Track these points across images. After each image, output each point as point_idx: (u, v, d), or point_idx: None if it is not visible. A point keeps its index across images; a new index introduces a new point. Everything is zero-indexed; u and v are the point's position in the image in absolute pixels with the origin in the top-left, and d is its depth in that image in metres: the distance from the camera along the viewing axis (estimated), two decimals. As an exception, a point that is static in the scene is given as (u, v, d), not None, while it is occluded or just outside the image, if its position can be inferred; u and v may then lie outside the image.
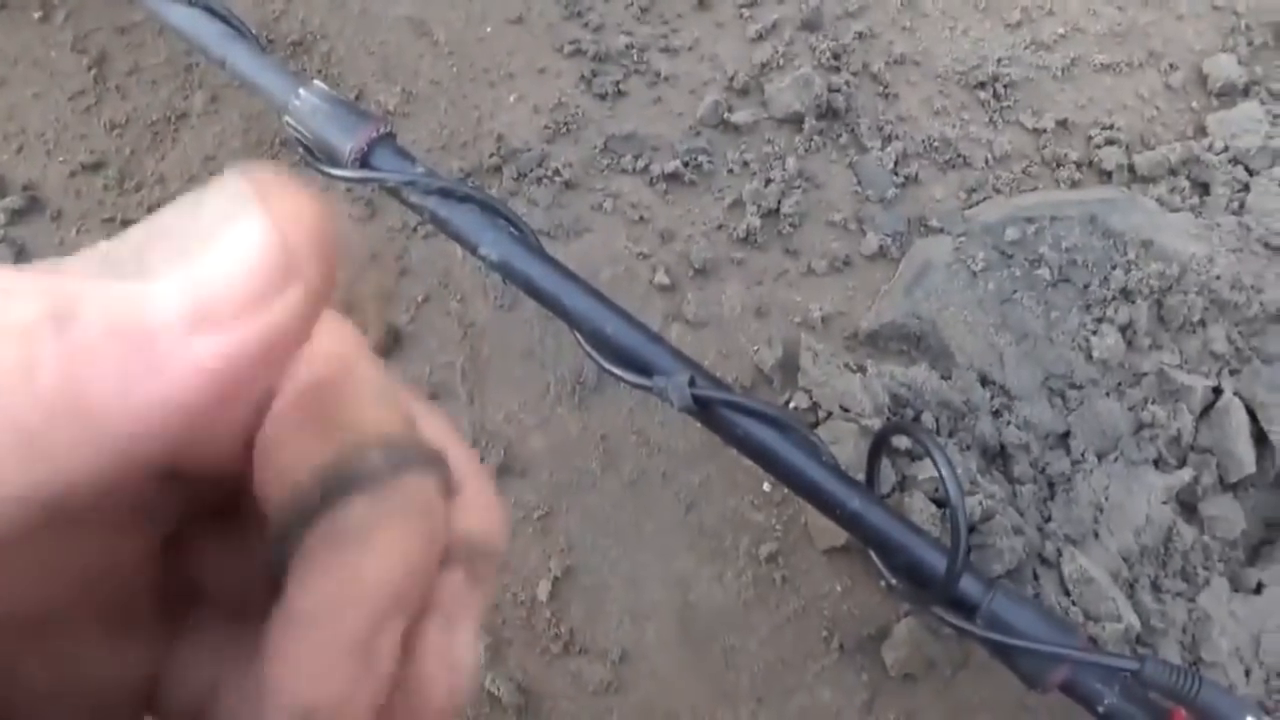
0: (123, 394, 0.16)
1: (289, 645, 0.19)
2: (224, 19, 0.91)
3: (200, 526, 0.24)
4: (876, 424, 0.95)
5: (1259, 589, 0.95)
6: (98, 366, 0.16)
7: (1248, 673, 0.91)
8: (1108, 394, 1.00)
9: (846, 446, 0.94)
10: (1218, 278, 1.03)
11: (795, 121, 1.16)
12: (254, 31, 0.92)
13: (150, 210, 1.09)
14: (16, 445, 0.16)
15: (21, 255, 1.08)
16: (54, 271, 0.17)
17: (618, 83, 1.18)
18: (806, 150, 1.15)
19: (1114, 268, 1.05)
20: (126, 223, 1.09)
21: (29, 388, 0.16)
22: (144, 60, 1.18)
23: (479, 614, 0.23)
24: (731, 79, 1.19)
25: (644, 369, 0.76)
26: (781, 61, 1.20)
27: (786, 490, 0.81)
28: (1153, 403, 0.99)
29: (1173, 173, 1.15)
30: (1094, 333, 1.02)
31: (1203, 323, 1.03)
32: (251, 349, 0.17)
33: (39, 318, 0.16)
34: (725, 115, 1.16)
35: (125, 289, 0.17)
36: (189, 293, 0.17)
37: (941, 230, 1.10)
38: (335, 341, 0.23)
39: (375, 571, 0.19)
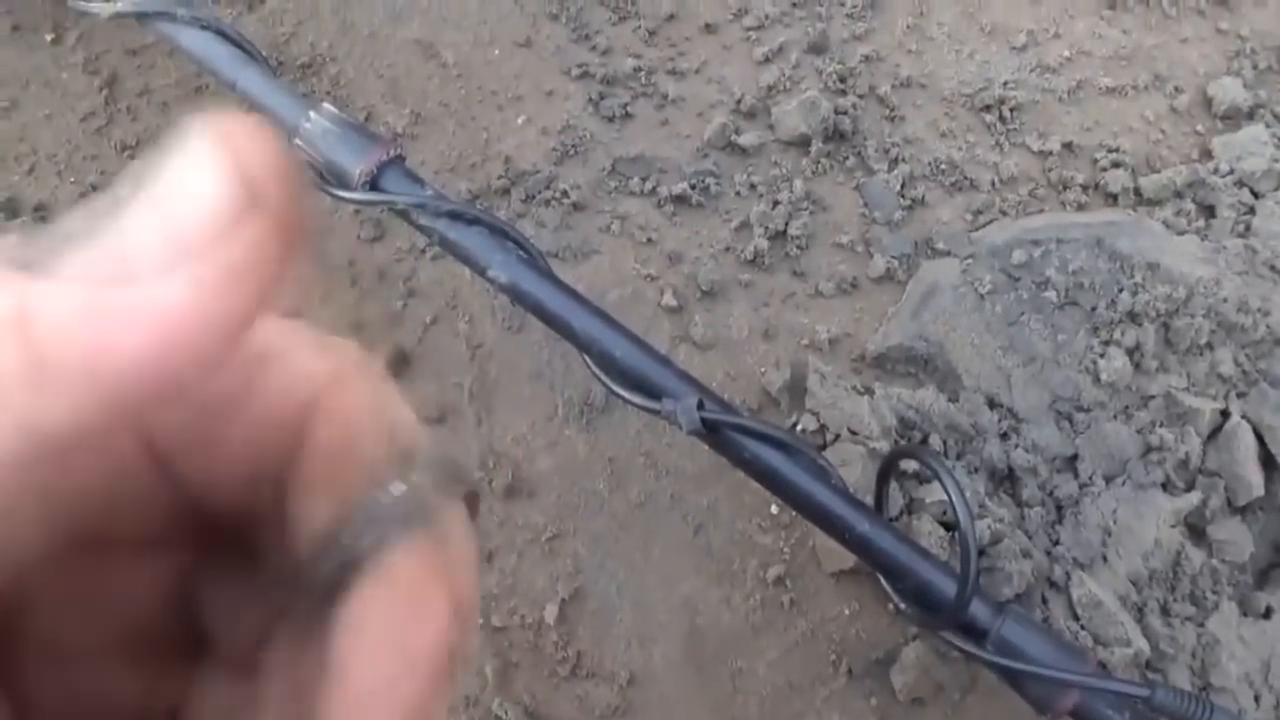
0: (110, 343, 0.16)
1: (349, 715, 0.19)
2: (235, 42, 0.92)
3: (214, 566, 0.24)
4: (884, 446, 0.95)
5: (1268, 613, 0.95)
6: (84, 325, 0.16)
7: (1257, 698, 0.90)
8: (1115, 417, 1.00)
9: (854, 469, 0.93)
10: (1224, 300, 1.03)
11: (802, 144, 1.16)
12: (264, 54, 0.93)
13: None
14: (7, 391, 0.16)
15: (31, 276, 1.09)
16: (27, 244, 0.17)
17: (625, 105, 1.19)
18: (813, 172, 1.15)
19: (1121, 290, 1.05)
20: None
21: (18, 344, 0.16)
22: (155, 82, 1.19)
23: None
24: (739, 102, 1.19)
25: (652, 392, 0.77)
26: (788, 84, 1.21)
27: (794, 513, 0.81)
28: (1160, 426, 0.99)
29: (1178, 195, 1.15)
30: (1101, 355, 1.02)
31: (1210, 345, 1.03)
32: (228, 278, 0.17)
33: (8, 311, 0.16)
34: (732, 138, 1.16)
35: (105, 243, 0.17)
36: (159, 229, 0.16)
37: (948, 253, 1.10)
38: (348, 372, 0.23)
39: (430, 636, 0.19)
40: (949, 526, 0.93)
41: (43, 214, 1.11)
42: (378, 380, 0.23)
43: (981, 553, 0.90)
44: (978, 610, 0.73)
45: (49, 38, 1.20)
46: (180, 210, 0.17)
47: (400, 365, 1.04)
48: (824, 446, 0.98)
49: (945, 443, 0.98)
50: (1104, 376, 1.01)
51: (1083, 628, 0.90)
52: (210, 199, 0.17)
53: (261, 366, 0.22)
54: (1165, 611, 0.93)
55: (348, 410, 0.22)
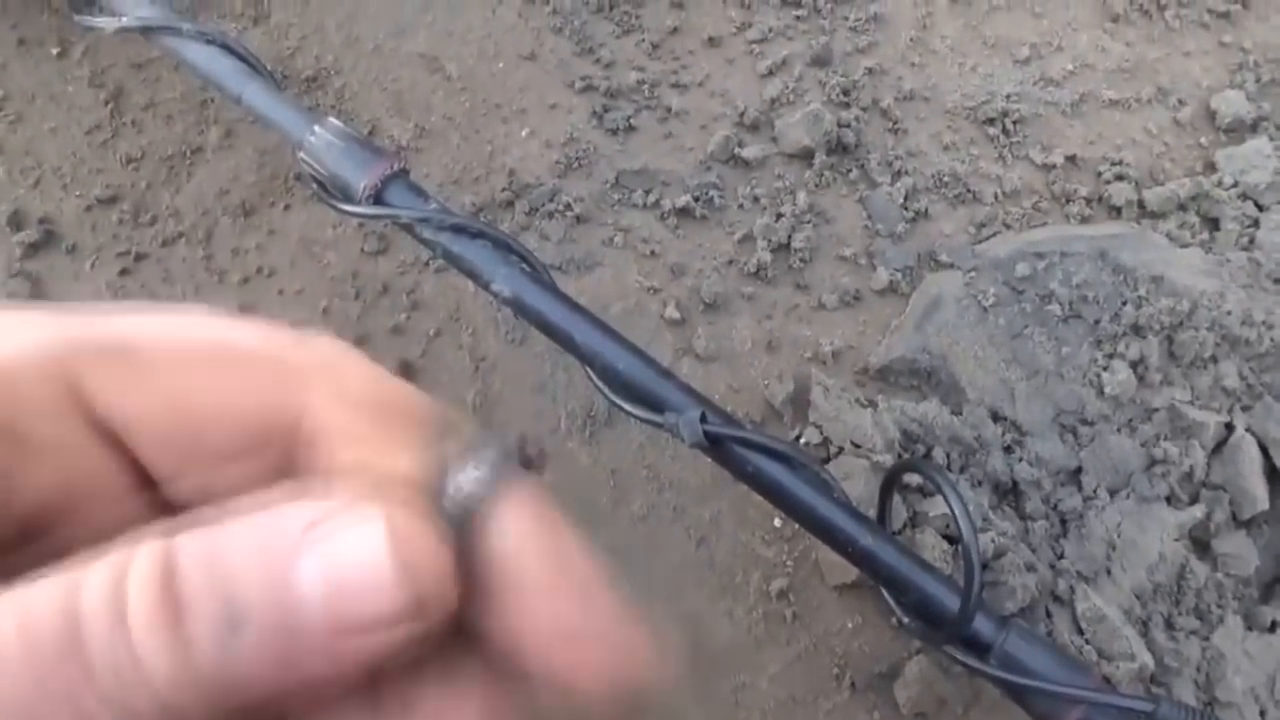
0: (267, 681, 0.20)
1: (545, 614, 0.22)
2: (240, 56, 0.92)
3: None
4: (887, 459, 0.95)
5: (1273, 627, 0.94)
6: (258, 661, 0.19)
7: (1263, 713, 0.90)
8: (1119, 430, 1.00)
9: (857, 482, 0.93)
10: (1229, 313, 1.03)
11: (805, 157, 1.17)
12: (269, 68, 0.93)
13: (165, 244, 1.10)
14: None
15: (37, 288, 1.09)
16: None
17: (629, 118, 1.19)
18: (817, 185, 1.15)
19: (1124, 303, 1.05)
20: (140, 256, 1.10)
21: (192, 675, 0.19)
22: (160, 95, 1.20)
23: None
24: (742, 114, 1.19)
25: (655, 405, 0.77)
26: (792, 97, 1.21)
27: (797, 526, 0.81)
28: (1165, 439, 0.99)
29: (1182, 208, 1.15)
30: (1105, 369, 1.02)
31: (1214, 359, 1.03)
32: (375, 657, 0.20)
33: (216, 618, 0.19)
34: (736, 150, 1.17)
35: (285, 594, 0.20)
36: (337, 607, 0.20)
37: (951, 265, 1.10)
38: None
39: (577, 545, 0.23)
40: (952, 540, 0.92)
41: (48, 226, 1.12)
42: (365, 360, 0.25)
43: (985, 566, 0.90)
44: (981, 625, 0.73)
45: (55, 51, 1.21)
46: (361, 594, 0.20)
47: (404, 378, 1.04)
48: (827, 459, 0.98)
49: (948, 456, 0.98)
50: (1108, 389, 1.01)
51: (1087, 642, 0.90)
52: (387, 599, 0.20)
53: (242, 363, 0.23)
54: (1170, 625, 0.93)
55: (352, 380, 0.24)
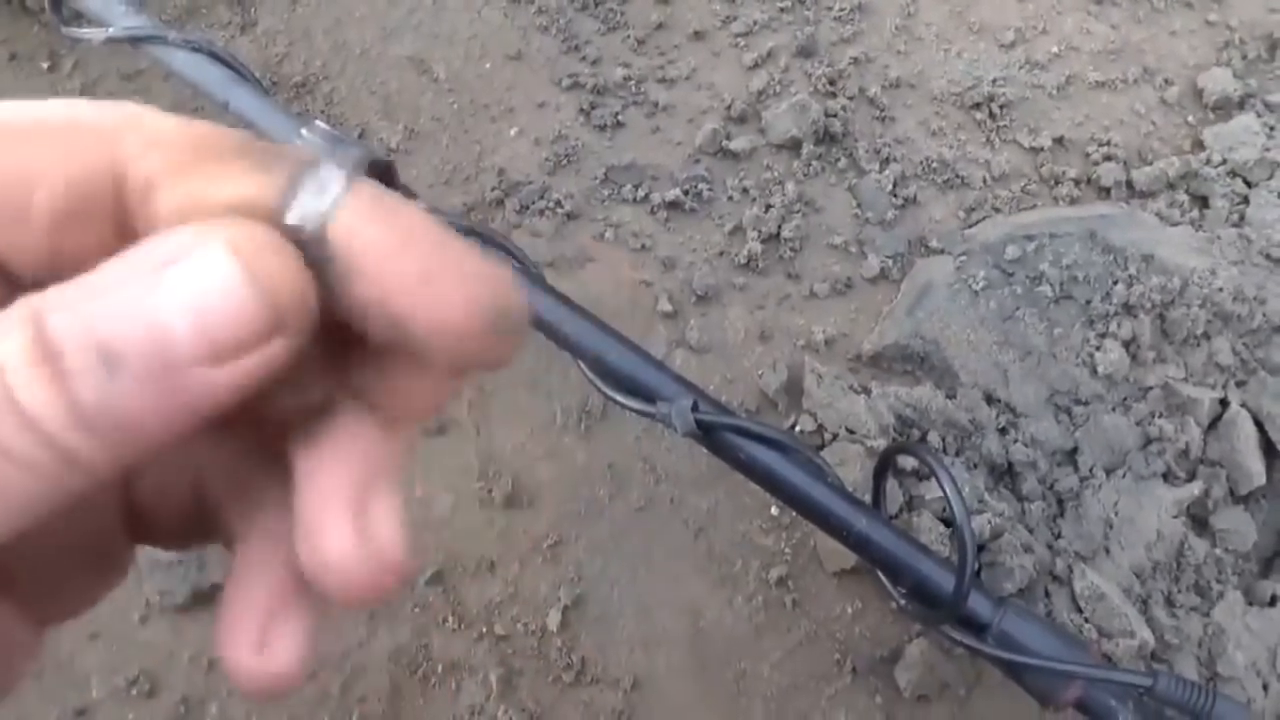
0: (153, 418, 0.20)
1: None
2: (226, 63, 0.92)
3: None
4: (882, 445, 0.95)
5: (1273, 602, 0.94)
6: (139, 397, 0.20)
7: (1265, 687, 0.90)
8: (1114, 409, 1.00)
9: (853, 468, 0.94)
10: (1220, 290, 1.03)
11: (793, 147, 1.17)
12: (257, 75, 0.94)
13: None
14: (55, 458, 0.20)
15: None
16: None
17: (617, 114, 1.19)
18: (805, 175, 1.16)
19: (1115, 283, 1.05)
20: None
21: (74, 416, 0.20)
22: (150, 105, 1.20)
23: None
24: (729, 107, 1.20)
25: (647, 396, 0.77)
26: (778, 88, 1.21)
27: (795, 514, 0.81)
28: (1160, 416, 0.99)
29: (1171, 187, 1.15)
30: (1098, 348, 1.02)
31: (1206, 335, 1.03)
32: (250, 377, 0.21)
33: (90, 359, 0.20)
34: (724, 143, 1.17)
35: (153, 330, 0.20)
36: (203, 335, 0.20)
37: (942, 250, 1.10)
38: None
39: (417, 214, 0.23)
40: (949, 523, 0.93)
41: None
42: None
43: (982, 548, 0.90)
44: (978, 604, 0.73)
45: (45, 65, 1.22)
46: (219, 320, 0.21)
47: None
48: (822, 446, 0.98)
49: (944, 439, 0.98)
50: (1101, 369, 1.01)
51: (1086, 620, 0.90)
52: (247, 318, 0.21)
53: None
54: (1170, 602, 0.93)
55: (162, 127, 0.24)
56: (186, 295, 0.20)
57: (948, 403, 1.00)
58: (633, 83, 1.22)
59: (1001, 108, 1.20)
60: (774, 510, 0.98)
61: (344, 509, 0.23)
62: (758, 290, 1.09)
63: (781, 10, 1.28)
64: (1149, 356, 1.02)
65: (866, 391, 1.02)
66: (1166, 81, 1.24)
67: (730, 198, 1.15)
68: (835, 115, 1.18)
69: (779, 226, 1.11)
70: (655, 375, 0.77)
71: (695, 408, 0.75)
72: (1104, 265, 1.06)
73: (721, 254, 1.11)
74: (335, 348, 0.24)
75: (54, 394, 0.20)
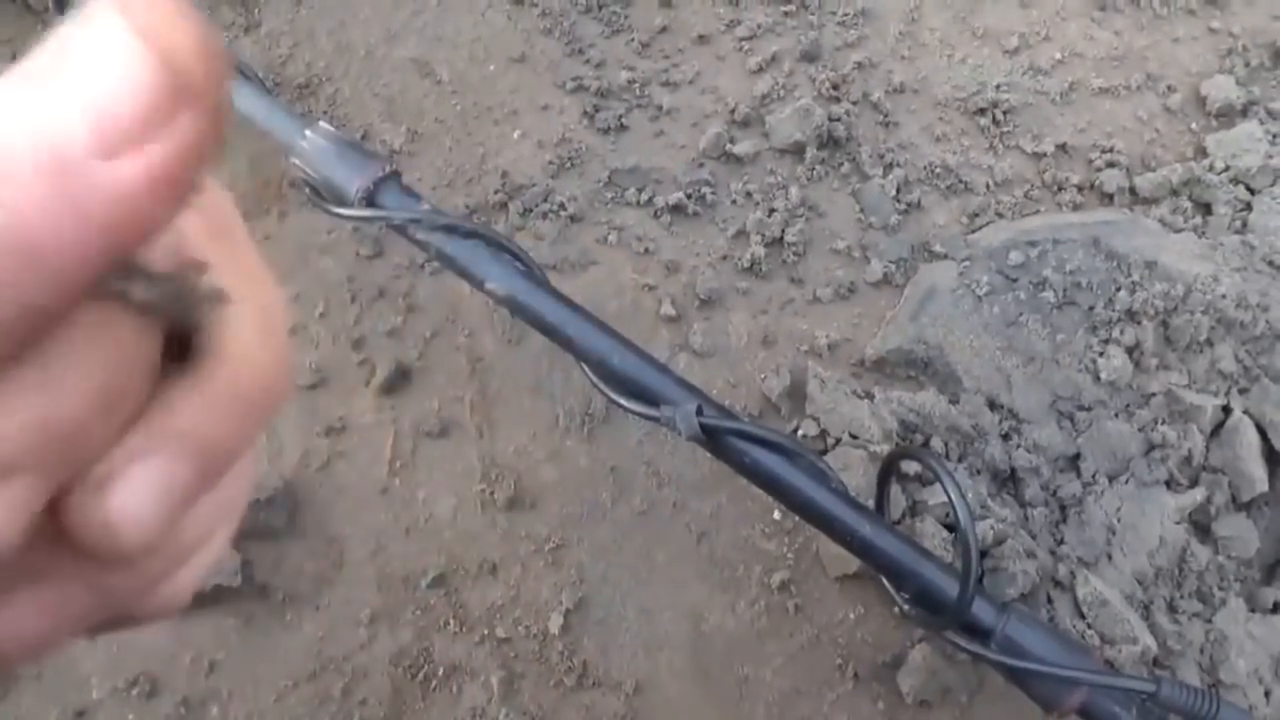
0: (58, 227, 0.17)
1: None
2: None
3: None
4: (885, 450, 0.95)
5: (1275, 608, 0.94)
6: (36, 206, 0.17)
7: (1267, 694, 0.90)
8: (1117, 415, 1.00)
9: (856, 473, 0.94)
10: (1223, 297, 1.03)
11: (797, 151, 1.17)
12: (261, 76, 0.94)
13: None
14: None
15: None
16: None
17: (620, 117, 1.19)
18: (809, 179, 1.16)
19: (1118, 289, 1.05)
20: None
21: None
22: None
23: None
24: (733, 111, 1.20)
25: (651, 400, 0.77)
26: (782, 93, 1.21)
27: (798, 519, 0.81)
28: (1162, 423, 0.99)
29: (1174, 194, 1.15)
30: (1101, 354, 1.02)
31: (1210, 342, 1.03)
32: (164, 171, 0.18)
33: None
34: (727, 147, 1.17)
35: (37, 120, 0.17)
36: (93, 120, 0.17)
37: (945, 255, 1.10)
38: None
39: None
40: (952, 528, 0.93)
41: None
42: None
43: (985, 553, 0.90)
44: (981, 610, 0.73)
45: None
46: (113, 100, 0.18)
47: (401, 380, 1.04)
48: (825, 451, 0.98)
49: (946, 445, 0.98)
50: (1104, 375, 1.01)
51: (1089, 626, 0.90)
52: (143, 91, 0.18)
53: None
54: (1172, 609, 0.93)
55: None
56: (73, 74, 0.18)
57: (951, 408, 1.00)
58: (636, 86, 1.22)
59: (1005, 113, 1.21)
60: (776, 515, 0.98)
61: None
62: (761, 294, 1.09)
63: (785, 15, 1.28)
64: (1152, 363, 1.02)
65: (870, 396, 1.02)
66: (1169, 88, 1.25)
67: (734, 202, 1.15)
68: (839, 120, 1.18)
69: (782, 231, 1.11)
70: (659, 379, 0.77)
71: (699, 411, 0.74)
72: (1107, 271, 1.06)
73: (725, 258, 1.11)
74: None
75: None
